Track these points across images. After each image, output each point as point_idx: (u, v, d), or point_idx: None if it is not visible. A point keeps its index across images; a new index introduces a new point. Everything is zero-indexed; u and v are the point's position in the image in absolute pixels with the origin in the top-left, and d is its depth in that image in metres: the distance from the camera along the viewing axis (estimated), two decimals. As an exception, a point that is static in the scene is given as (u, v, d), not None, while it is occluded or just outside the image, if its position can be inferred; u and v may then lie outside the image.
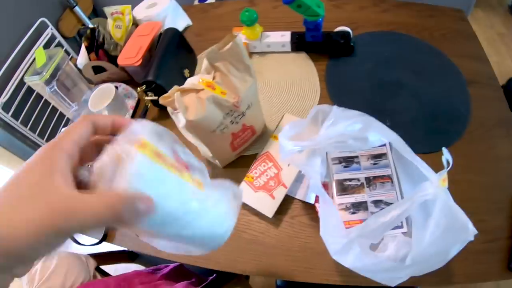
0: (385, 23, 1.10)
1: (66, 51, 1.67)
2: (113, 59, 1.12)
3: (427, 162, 0.59)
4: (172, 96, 0.66)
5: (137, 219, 0.33)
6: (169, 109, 0.68)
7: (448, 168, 0.56)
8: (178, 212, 0.35)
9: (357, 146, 0.59)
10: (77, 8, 1.74)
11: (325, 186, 0.73)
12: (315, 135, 0.65)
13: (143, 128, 0.34)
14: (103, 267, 1.17)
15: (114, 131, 0.37)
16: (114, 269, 1.28)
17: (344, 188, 0.73)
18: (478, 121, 0.86)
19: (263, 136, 0.87)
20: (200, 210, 0.37)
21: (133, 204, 0.31)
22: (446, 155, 0.57)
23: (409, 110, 0.89)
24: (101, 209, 0.30)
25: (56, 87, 1.02)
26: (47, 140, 1.52)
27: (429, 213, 0.57)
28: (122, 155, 0.32)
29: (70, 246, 0.88)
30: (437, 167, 0.58)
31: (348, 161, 0.74)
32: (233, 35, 0.65)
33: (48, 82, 1.06)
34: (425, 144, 0.82)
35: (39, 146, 1.51)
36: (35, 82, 1.09)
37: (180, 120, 0.66)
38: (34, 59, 1.23)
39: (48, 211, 0.29)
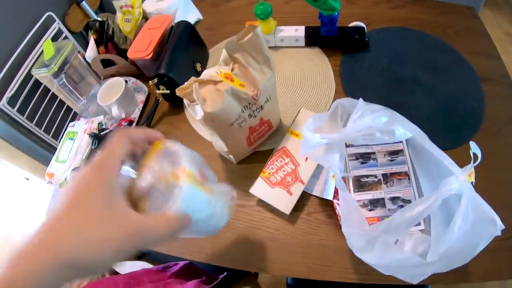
0: (399, 19, 1.09)
1: (73, 45, 1.66)
2: (122, 53, 1.10)
3: None
4: (190, 88, 0.64)
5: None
6: (185, 101, 0.66)
7: (476, 163, 0.54)
8: (201, 219, 0.45)
9: (384, 139, 0.58)
10: (84, 3, 1.72)
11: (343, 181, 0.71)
12: (335, 129, 0.65)
13: (183, 154, 0.44)
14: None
15: (146, 141, 0.45)
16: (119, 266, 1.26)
17: (361, 184, 0.72)
18: (492, 118, 0.84)
19: (278, 131, 0.85)
20: (213, 213, 0.47)
21: (185, 223, 0.41)
22: (474, 149, 0.56)
23: (423, 107, 0.88)
24: (164, 229, 0.39)
25: (64, 80, 1.00)
26: (53, 136, 1.50)
27: (449, 209, 0.57)
28: (171, 182, 0.41)
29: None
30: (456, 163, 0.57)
31: (365, 157, 0.73)
32: (253, 25, 0.64)
33: (56, 75, 1.04)
34: (441, 141, 0.77)
35: (44, 141, 1.50)
36: (42, 74, 1.07)
37: (197, 112, 0.64)
38: (41, 53, 1.21)
39: (124, 233, 0.36)
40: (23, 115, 1.41)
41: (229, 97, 0.63)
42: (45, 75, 1.06)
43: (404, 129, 0.58)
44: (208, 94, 0.62)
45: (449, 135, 0.83)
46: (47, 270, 0.32)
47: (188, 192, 0.41)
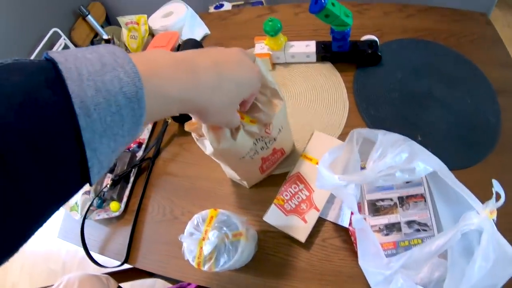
0: (411, 29, 1.05)
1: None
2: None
3: (461, 178, 0.57)
4: (199, 123, 0.62)
5: None
6: (194, 135, 0.64)
7: (500, 204, 0.52)
8: (242, 260, 0.67)
9: (404, 178, 0.56)
10: (89, 17, 1.70)
11: (358, 207, 0.69)
12: (350, 154, 0.63)
13: (234, 218, 0.64)
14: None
15: None
16: (130, 285, 1.25)
17: (376, 208, 0.70)
18: (509, 133, 0.81)
19: (292, 154, 0.83)
20: (249, 254, 0.70)
21: None
22: (497, 188, 0.54)
23: (440, 123, 0.85)
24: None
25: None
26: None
27: (467, 238, 0.55)
28: (231, 244, 0.62)
29: (89, 268, 0.85)
30: (472, 184, 0.57)
31: None
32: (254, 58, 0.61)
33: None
34: (458, 159, 0.78)
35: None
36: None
37: (206, 147, 0.62)
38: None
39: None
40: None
41: (240, 133, 0.61)
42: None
43: (424, 164, 0.56)
44: (217, 129, 0.60)
45: (465, 152, 0.80)
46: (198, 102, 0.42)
47: (243, 249, 0.61)
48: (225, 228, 0.62)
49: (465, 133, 0.82)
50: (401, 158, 0.56)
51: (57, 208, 0.29)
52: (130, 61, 0.31)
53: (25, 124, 0.24)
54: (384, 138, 0.59)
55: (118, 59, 0.30)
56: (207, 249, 0.60)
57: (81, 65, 0.28)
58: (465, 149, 0.80)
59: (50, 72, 0.27)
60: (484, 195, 0.54)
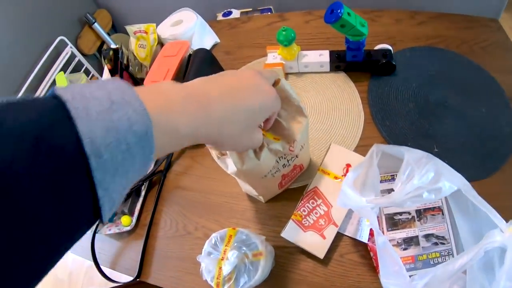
0: (424, 37, 1.04)
1: (86, 69, 1.64)
2: (138, 82, 1.07)
3: (478, 190, 0.56)
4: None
5: None
6: (214, 153, 0.63)
7: None
8: (262, 278, 0.64)
9: (431, 198, 0.54)
10: (96, 25, 1.70)
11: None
12: (369, 168, 0.62)
13: (254, 237, 0.64)
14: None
15: None
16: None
17: (394, 222, 0.69)
18: None
19: (308, 168, 0.81)
20: (269, 270, 0.67)
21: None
22: None
23: (456, 134, 0.83)
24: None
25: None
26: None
27: (488, 255, 0.54)
28: (251, 264, 0.61)
29: (95, 278, 0.83)
30: (489, 196, 0.56)
31: None
32: (277, 77, 0.59)
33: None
34: (475, 170, 0.77)
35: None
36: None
37: (228, 166, 0.60)
38: (54, 81, 1.19)
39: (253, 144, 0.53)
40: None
41: (264, 152, 0.59)
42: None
43: (449, 183, 0.55)
44: None
45: (481, 163, 0.78)
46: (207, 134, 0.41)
47: (263, 265, 0.62)
48: (244, 248, 0.62)
49: (481, 143, 0.81)
50: (428, 178, 0.54)
51: (71, 247, 0.29)
52: (137, 98, 0.31)
53: (37, 168, 0.24)
54: (410, 157, 0.58)
55: (125, 96, 0.30)
56: (226, 269, 0.59)
57: (89, 104, 0.28)
58: (481, 160, 0.79)
59: (58, 111, 0.26)
60: (501, 206, 0.54)
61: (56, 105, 0.27)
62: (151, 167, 0.91)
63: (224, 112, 0.42)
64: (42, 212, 0.24)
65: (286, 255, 0.73)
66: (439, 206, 0.69)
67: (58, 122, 0.26)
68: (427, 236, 0.67)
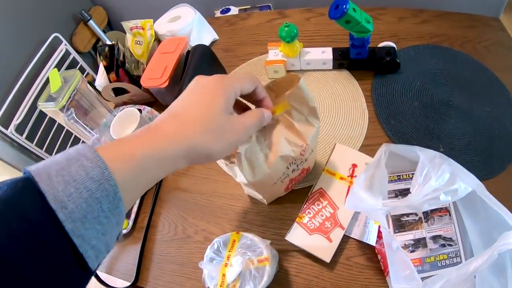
0: (427, 35, 1.02)
1: (81, 67, 1.60)
2: (134, 79, 1.04)
3: (487, 189, 0.55)
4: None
5: None
6: (222, 161, 0.60)
7: None
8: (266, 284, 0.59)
9: (447, 200, 0.52)
10: (91, 22, 1.66)
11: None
12: (377, 170, 0.60)
13: (259, 242, 0.61)
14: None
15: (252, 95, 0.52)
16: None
17: (401, 224, 0.67)
18: None
19: (313, 169, 0.78)
20: (274, 275, 0.62)
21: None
22: None
23: (461, 133, 0.81)
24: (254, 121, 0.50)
25: (74, 115, 0.93)
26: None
27: (499, 257, 0.51)
28: (257, 271, 0.59)
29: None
30: (496, 195, 0.55)
31: (404, 194, 0.69)
32: (296, 76, 0.57)
33: (64, 109, 0.98)
34: (481, 170, 0.75)
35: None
36: (50, 108, 1.01)
37: (237, 175, 0.58)
38: (48, 79, 1.15)
39: (238, 136, 0.47)
40: (32, 142, 1.35)
41: (276, 160, 0.57)
42: (52, 109, 0.99)
43: (464, 184, 0.53)
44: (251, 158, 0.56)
45: (487, 163, 0.77)
46: (174, 150, 0.40)
47: (269, 271, 0.59)
48: (249, 253, 0.59)
49: (486, 143, 0.80)
50: (444, 179, 0.52)
51: None
52: (90, 148, 0.33)
53: (14, 238, 0.26)
54: (425, 157, 0.55)
55: (80, 150, 0.33)
56: (230, 276, 0.56)
57: (49, 166, 0.31)
58: (487, 160, 0.77)
59: (25, 181, 0.29)
60: (507, 207, 0.53)
61: (23, 178, 0.30)
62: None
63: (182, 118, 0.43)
64: (25, 274, 0.27)
65: (290, 259, 0.71)
66: (446, 207, 0.68)
67: (25, 189, 0.29)
68: (435, 238, 0.66)
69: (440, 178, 0.52)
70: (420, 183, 0.53)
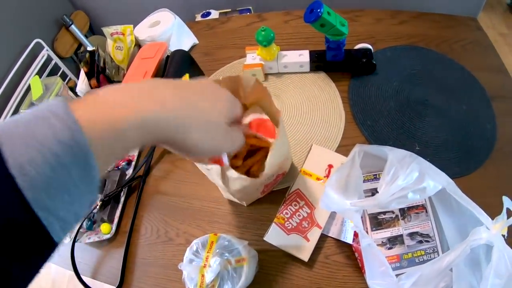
0: (404, 36, 1.04)
1: (63, 73, 1.60)
2: (116, 85, 1.04)
3: (462, 187, 0.57)
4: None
5: None
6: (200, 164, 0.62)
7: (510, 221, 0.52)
8: (246, 284, 0.62)
9: (416, 198, 0.54)
10: (73, 27, 1.65)
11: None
12: (351, 170, 0.62)
13: (236, 243, 0.62)
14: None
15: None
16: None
17: (378, 222, 0.70)
18: (506, 138, 0.81)
19: (290, 170, 0.80)
20: (253, 275, 0.65)
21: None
22: (508, 204, 0.53)
23: (437, 131, 0.84)
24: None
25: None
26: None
27: (474, 251, 0.55)
28: (234, 271, 0.60)
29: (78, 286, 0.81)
30: (472, 192, 0.57)
31: None
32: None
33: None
34: (458, 167, 0.77)
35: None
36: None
37: (216, 181, 0.59)
38: (29, 86, 1.15)
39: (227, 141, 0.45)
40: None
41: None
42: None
43: (434, 182, 0.55)
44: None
45: (464, 160, 0.79)
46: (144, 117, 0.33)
47: (247, 271, 0.60)
48: (227, 254, 0.61)
49: (462, 140, 0.82)
50: (412, 178, 0.54)
51: (36, 273, 0.28)
52: (64, 105, 0.28)
53: None
54: (393, 157, 0.57)
55: (51, 106, 0.28)
56: (209, 276, 0.58)
57: (15, 125, 0.26)
58: (463, 157, 0.79)
59: None
60: (484, 203, 0.55)
61: None
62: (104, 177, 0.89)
63: (180, 103, 0.38)
64: None
65: (270, 259, 0.72)
66: (422, 204, 0.70)
67: None
68: (412, 235, 0.67)
69: (408, 177, 0.54)
70: (388, 182, 0.55)
